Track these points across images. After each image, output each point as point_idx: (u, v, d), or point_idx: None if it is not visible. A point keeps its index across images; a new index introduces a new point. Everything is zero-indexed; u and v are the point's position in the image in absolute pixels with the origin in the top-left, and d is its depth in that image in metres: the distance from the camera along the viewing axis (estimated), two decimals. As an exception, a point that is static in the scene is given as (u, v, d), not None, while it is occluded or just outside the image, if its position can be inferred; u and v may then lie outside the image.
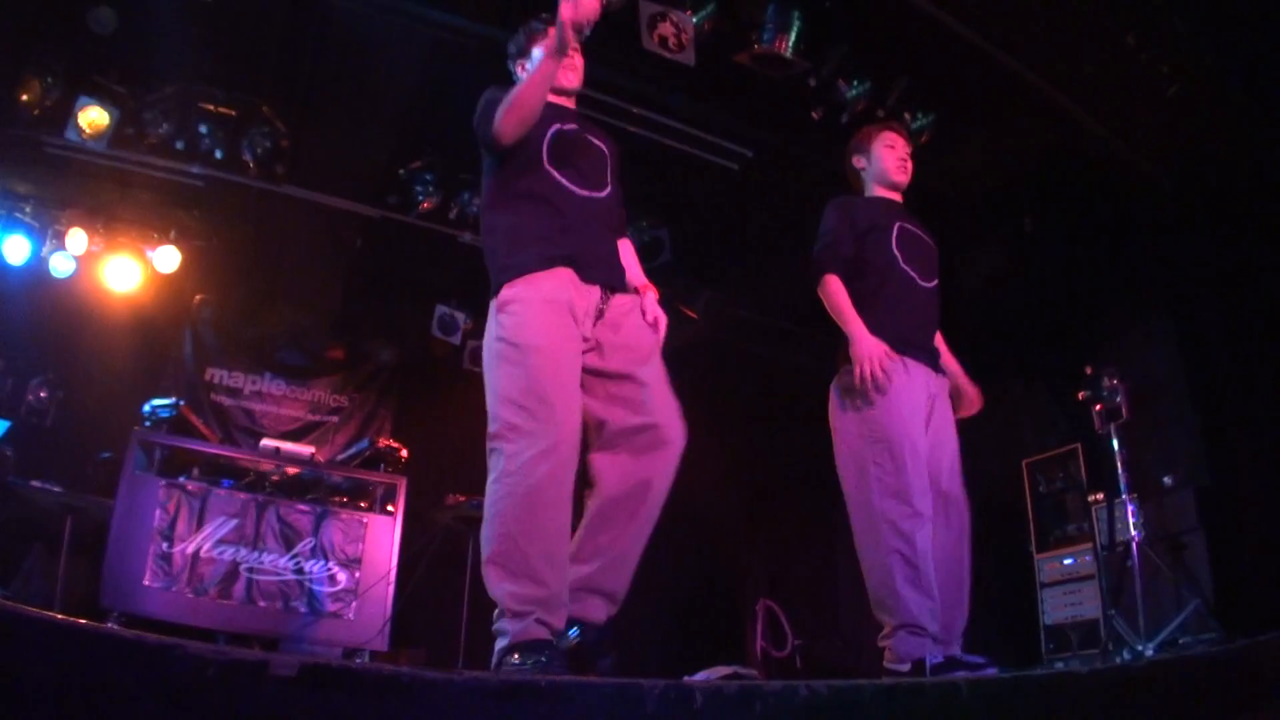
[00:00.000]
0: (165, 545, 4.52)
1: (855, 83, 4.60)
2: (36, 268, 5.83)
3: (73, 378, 5.88)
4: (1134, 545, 4.32)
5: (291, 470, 5.07)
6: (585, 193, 2.57)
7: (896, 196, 3.20)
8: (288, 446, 5.18)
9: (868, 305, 2.93)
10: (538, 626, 2.21)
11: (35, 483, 4.69)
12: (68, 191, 5.80)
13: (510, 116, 2.44)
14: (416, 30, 4.47)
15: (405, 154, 5.57)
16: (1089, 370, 4.76)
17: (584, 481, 2.47)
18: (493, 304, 2.49)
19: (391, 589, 4.89)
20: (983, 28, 4.23)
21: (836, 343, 2.97)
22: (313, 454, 5.27)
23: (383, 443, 5.53)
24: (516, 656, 2.17)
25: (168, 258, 6.09)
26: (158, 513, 4.56)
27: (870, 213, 3.10)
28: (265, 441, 5.27)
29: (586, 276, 2.48)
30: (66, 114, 4.89)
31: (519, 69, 2.77)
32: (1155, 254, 5.19)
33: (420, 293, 6.72)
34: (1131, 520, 4.39)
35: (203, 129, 5.21)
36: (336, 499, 5.17)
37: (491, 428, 2.39)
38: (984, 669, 2.63)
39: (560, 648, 2.24)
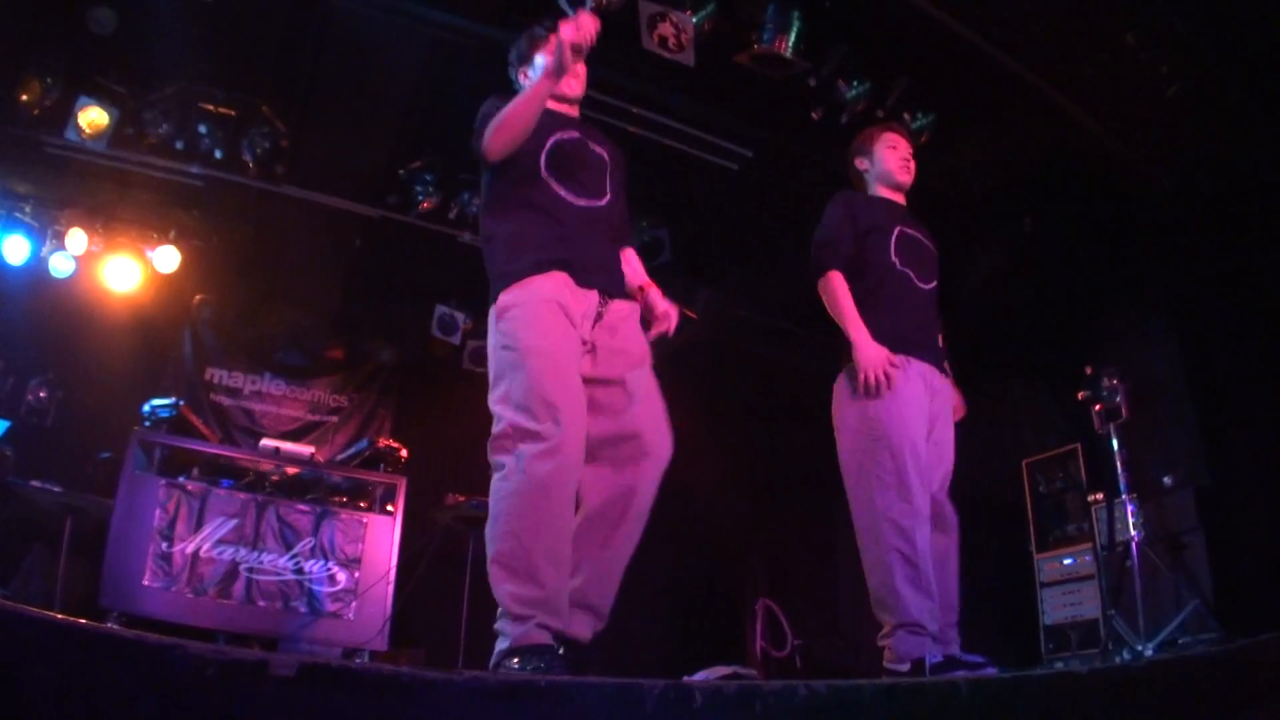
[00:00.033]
0: (165, 545, 4.52)
1: (855, 83, 4.60)
2: (36, 268, 5.83)
3: (73, 378, 5.88)
4: (1134, 545, 4.32)
5: (291, 470, 5.07)
6: (583, 202, 2.56)
7: (899, 197, 3.21)
8: (287, 446, 5.18)
9: (867, 306, 2.94)
10: (538, 631, 2.21)
11: (35, 483, 4.69)
12: (67, 191, 5.80)
13: (499, 136, 2.45)
14: (416, 30, 4.47)
15: (405, 154, 5.57)
16: (1089, 370, 4.77)
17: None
18: (492, 311, 2.50)
19: (391, 589, 4.89)
20: (983, 28, 4.23)
21: (838, 341, 2.97)
22: (312, 454, 5.27)
23: (382, 443, 5.53)
24: (516, 661, 2.17)
25: (167, 258, 6.09)
26: (157, 512, 4.56)
27: (872, 212, 3.10)
28: (265, 441, 5.27)
29: (583, 281, 2.47)
30: (66, 114, 4.88)
31: (521, 76, 2.76)
32: (1155, 254, 5.19)
33: (420, 293, 6.72)
34: (1131, 520, 4.39)
35: (202, 129, 5.21)
36: (336, 499, 5.17)
37: (495, 428, 2.39)
38: (983, 668, 2.63)
39: (560, 651, 2.24)
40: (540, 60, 2.66)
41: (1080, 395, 4.77)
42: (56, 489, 4.71)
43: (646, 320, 2.68)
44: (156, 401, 5.07)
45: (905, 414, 2.83)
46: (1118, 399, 4.62)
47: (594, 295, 2.49)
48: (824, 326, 3.05)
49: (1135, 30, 4.10)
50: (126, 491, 4.57)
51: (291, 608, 4.69)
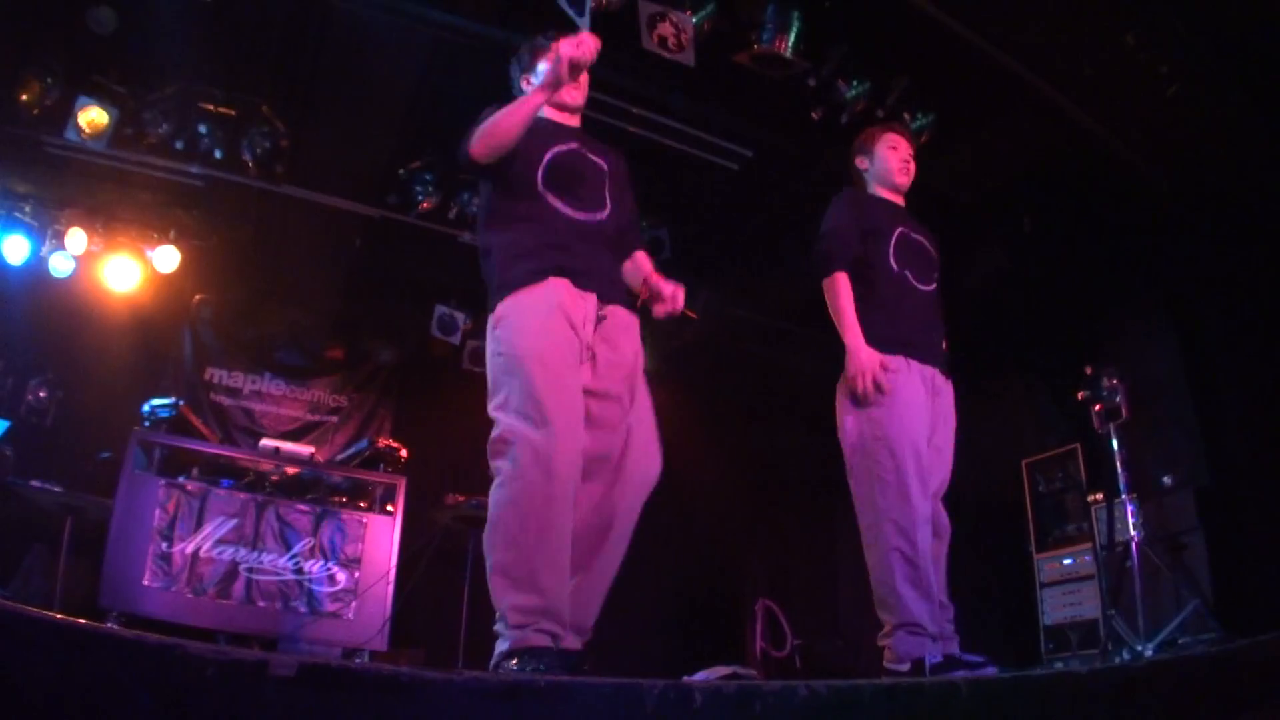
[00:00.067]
0: (165, 545, 4.52)
1: (855, 83, 4.60)
2: (36, 267, 5.82)
3: (72, 378, 5.87)
4: (1133, 545, 4.32)
5: (291, 470, 5.07)
6: (582, 216, 2.54)
7: (898, 198, 3.21)
8: (287, 446, 5.18)
9: (867, 308, 2.94)
10: (538, 635, 2.21)
11: (35, 483, 4.69)
12: (67, 191, 5.80)
13: (484, 142, 2.44)
14: (416, 30, 4.46)
15: (405, 154, 5.57)
16: (1088, 370, 4.76)
17: None
18: (490, 320, 2.49)
19: (391, 589, 4.89)
20: (983, 28, 4.23)
21: (838, 342, 2.97)
22: (312, 454, 5.27)
23: (382, 442, 5.54)
24: (515, 662, 2.18)
25: (167, 257, 6.09)
26: (157, 512, 4.57)
27: (874, 213, 3.10)
28: (265, 441, 5.27)
29: (581, 284, 2.46)
30: (66, 114, 4.88)
31: (524, 83, 2.75)
32: (1155, 254, 5.19)
33: (420, 293, 6.72)
34: (1131, 520, 4.39)
35: (202, 129, 5.20)
36: (336, 499, 5.17)
37: (493, 433, 2.38)
38: (983, 668, 2.64)
39: (560, 654, 2.24)
40: (543, 68, 2.65)
41: (1080, 395, 4.77)
42: (56, 489, 4.71)
43: (651, 305, 2.65)
44: (156, 401, 5.07)
45: (905, 415, 2.83)
46: (1117, 399, 4.62)
47: (592, 298, 2.48)
48: (824, 326, 3.05)
49: (1135, 30, 4.10)
50: (126, 491, 4.57)
51: (291, 608, 4.69)
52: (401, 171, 5.65)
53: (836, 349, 2.98)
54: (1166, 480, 4.83)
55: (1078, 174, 5.03)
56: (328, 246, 6.24)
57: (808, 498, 7.23)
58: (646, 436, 2.52)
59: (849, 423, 2.93)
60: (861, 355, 2.85)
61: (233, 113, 5.23)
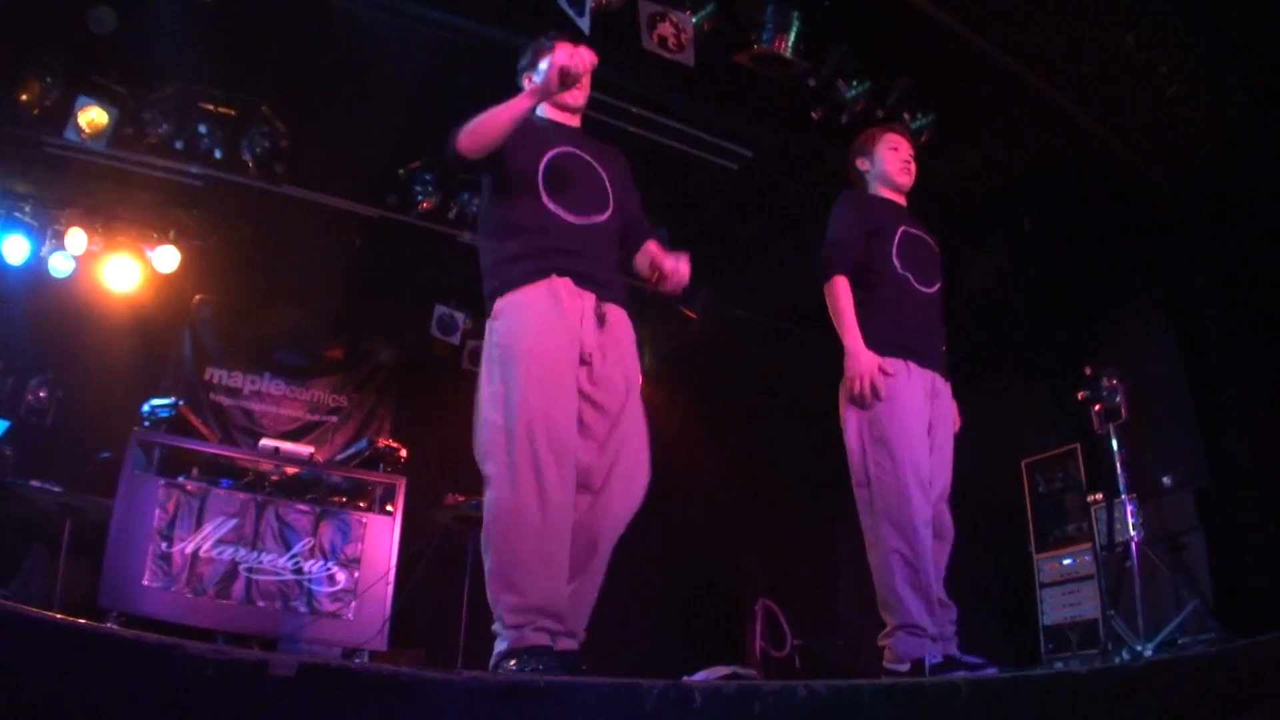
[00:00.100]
0: (164, 545, 4.52)
1: (855, 83, 4.60)
2: (36, 267, 5.82)
3: (72, 377, 5.87)
4: (1133, 545, 4.32)
5: (291, 470, 5.07)
6: (582, 220, 2.54)
7: (899, 198, 3.21)
8: (287, 446, 5.18)
9: (869, 310, 2.94)
10: (535, 634, 2.22)
11: (35, 482, 4.69)
12: (67, 191, 5.80)
13: (469, 138, 2.45)
14: (416, 30, 4.46)
15: (405, 154, 5.57)
16: (1088, 370, 4.76)
17: None
18: (488, 319, 2.50)
19: (390, 589, 4.89)
20: (982, 28, 4.23)
21: (839, 343, 2.97)
22: (312, 454, 5.27)
23: (382, 443, 5.53)
24: (514, 663, 2.18)
25: (167, 257, 6.09)
26: (157, 512, 4.57)
27: (877, 213, 3.10)
28: (264, 441, 5.27)
29: (581, 283, 2.47)
30: (66, 114, 4.88)
31: (526, 81, 2.75)
32: (1154, 254, 5.19)
33: (419, 293, 6.72)
34: (1131, 520, 4.39)
35: (202, 129, 5.20)
36: (336, 499, 5.17)
37: (484, 434, 2.37)
38: (983, 669, 2.64)
39: (559, 655, 2.24)
40: (544, 66, 2.65)
41: (1080, 395, 4.77)
42: (56, 489, 4.71)
43: (661, 286, 2.63)
44: (156, 401, 5.07)
45: (905, 417, 2.84)
46: (1117, 399, 4.62)
47: (591, 297, 2.48)
48: (823, 326, 3.05)
49: (1135, 30, 4.10)
50: (126, 491, 4.57)
51: (291, 608, 4.69)
52: (401, 171, 5.65)
53: (837, 349, 2.98)
54: (1166, 480, 4.83)
55: (1078, 174, 5.03)
56: (328, 246, 6.24)
57: (808, 498, 7.22)
58: (638, 451, 2.51)
59: (851, 426, 2.94)
60: (860, 358, 2.85)
61: (233, 113, 5.23)
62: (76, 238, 5.86)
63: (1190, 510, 4.64)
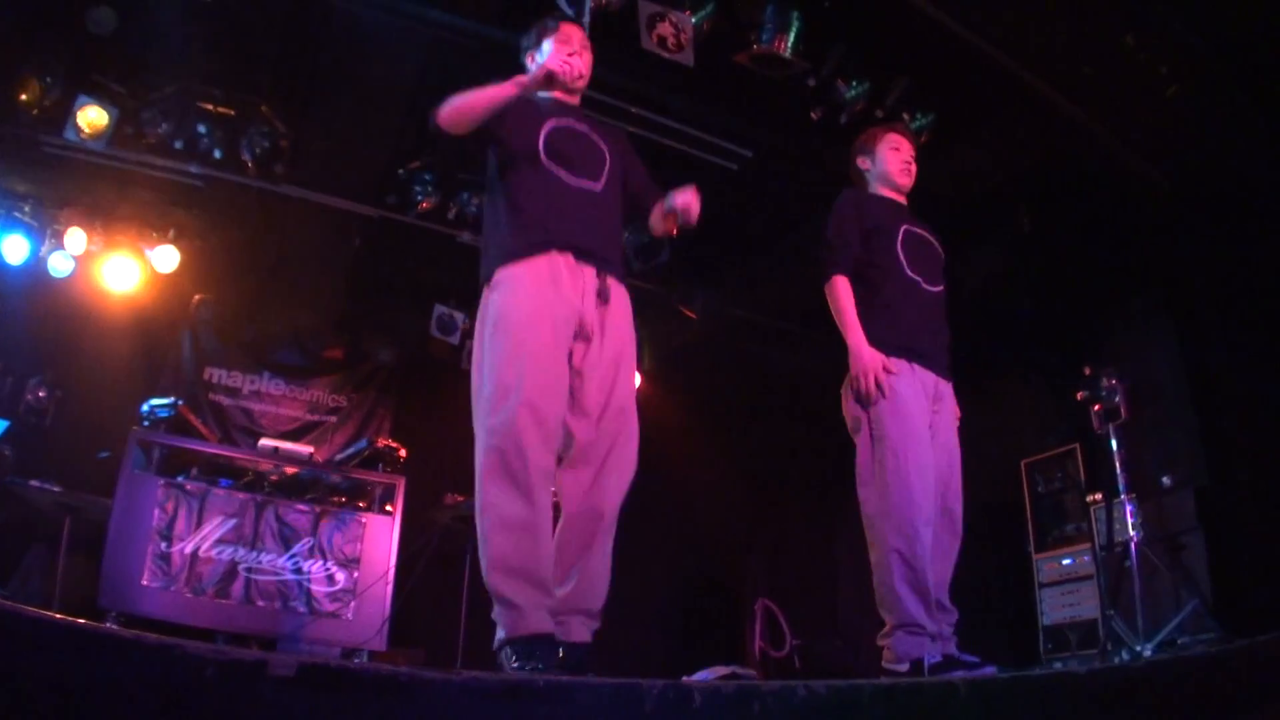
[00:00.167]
0: (164, 545, 4.52)
1: (854, 83, 4.59)
2: (35, 267, 5.82)
3: (71, 377, 5.87)
4: (1132, 545, 4.32)
5: (290, 470, 5.07)
6: (579, 183, 2.60)
7: (900, 199, 3.21)
8: (286, 446, 5.18)
9: (873, 310, 2.94)
10: (534, 615, 2.24)
11: (34, 482, 4.68)
12: (66, 191, 5.79)
13: (450, 113, 2.51)
14: (416, 30, 4.46)
15: (405, 154, 5.56)
16: (1088, 370, 4.76)
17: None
18: (485, 288, 2.55)
19: (390, 589, 4.89)
20: (982, 28, 4.23)
21: (841, 342, 2.97)
22: (311, 454, 5.27)
23: (381, 442, 5.53)
24: (514, 656, 2.21)
25: (166, 257, 6.08)
26: (156, 512, 4.57)
27: (877, 211, 3.10)
28: (264, 441, 5.27)
29: (581, 258, 2.53)
30: (65, 113, 4.88)
31: (529, 60, 2.82)
32: (1154, 254, 5.19)
33: (419, 293, 6.72)
34: (1130, 520, 4.38)
35: (202, 129, 5.20)
36: (335, 499, 5.17)
37: (475, 402, 2.43)
38: (981, 667, 2.64)
39: (557, 638, 2.28)
40: (548, 46, 2.75)
41: (1079, 395, 4.77)
42: (55, 489, 4.70)
43: (682, 221, 2.66)
44: (155, 401, 5.07)
45: (908, 417, 2.83)
46: (1116, 399, 4.62)
47: (590, 271, 2.53)
48: (823, 326, 3.05)
49: (1135, 31, 4.10)
50: (125, 491, 4.57)
51: (290, 608, 4.69)
52: (401, 171, 5.65)
53: (837, 349, 2.98)
54: (1165, 480, 4.83)
55: (1078, 174, 5.02)
56: (327, 246, 6.24)
57: (807, 498, 7.23)
58: (630, 422, 2.57)
59: (853, 423, 2.94)
60: (864, 355, 2.85)
61: (232, 112, 5.22)
62: (76, 237, 5.86)
63: (1190, 510, 4.64)
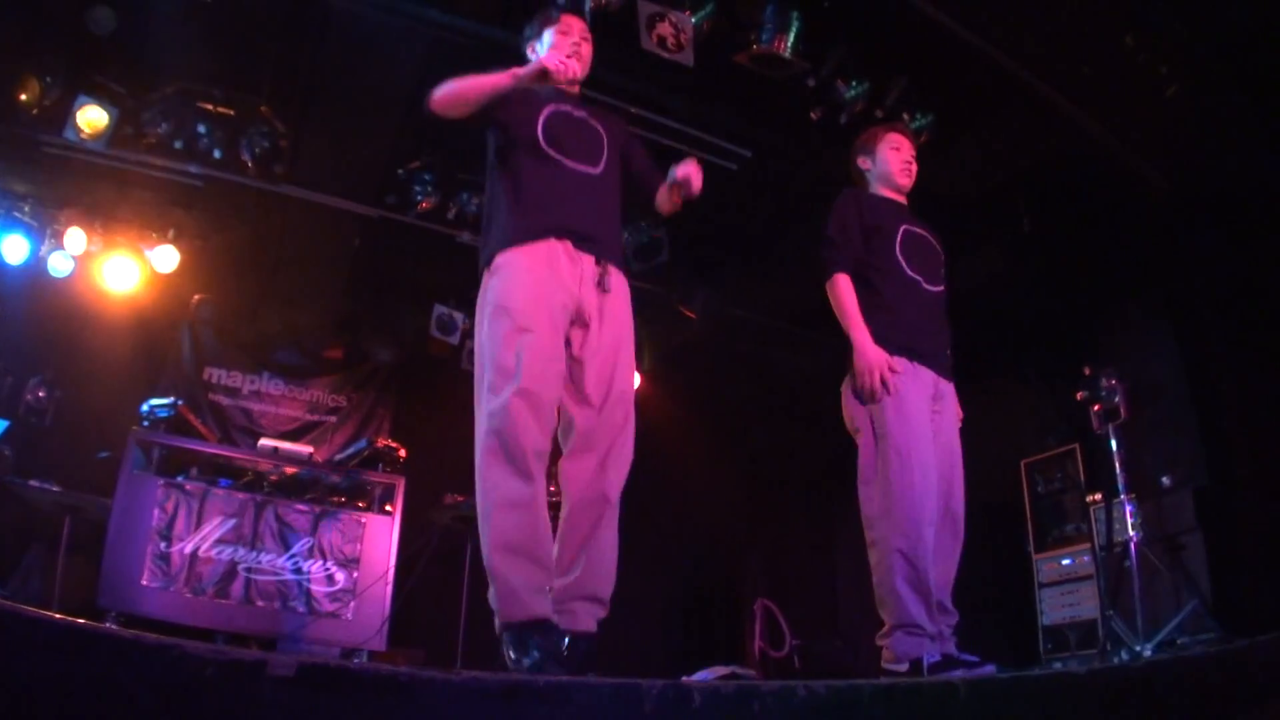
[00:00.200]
0: (163, 545, 4.52)
1: (854, 83, 4.60)
2: (35, 267, 5.82)
3: (71, 377, 5.87)
4: (1132, 545, 4.32)
5: (290, 470, 5.07)
6: (578, 167, 2.62)
7: (900, 199, 3.20)
8: (286, 446, 5.18)
9: (875, 310, 2.93)
10: (531, 598, 2.26)
11: (34, 482, 4.69)
12: (66, 191, 5.79)
13: (444, 98, 2.55)
14: (416, 30, 4.46)
15: (404, 154, 5.56)
16: (1087, 371, 4.77)
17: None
18: (485, 272, 2.57)
19: (389, 589, 4.89)
20: (982, 28, 4.23)
21: (842, 342, 2.97)
22: (311, 454, 5.27)
23: (381, 442, 5.53)
24: (511, 649, 2.23)
25: (166, 257, 6.08)
26: (156, 512, 4.56)
27: (878, 211, 3.10)
28: (263, 441, 5.27)
29: (580, 245, 2.54)
30: (65, 114, 4.88)
31: (530, 49, 2.85)
32: (1154, 254, 5.19)
33: (419, 293, 6.72)
34: (1130, 520, 4.39)
35: (201, 129, 5.20)
36: (335, 499, 5.17)
37: (477, 386, 2.46)
38: (980, 667, 2.63)
39: (556, 625, 2.30)
40: (548, 37, 2.78)
41: (1079, 395, 4.77)
42: (55, 489, 4.70)
43: (686, 192, 2.68)
44: (155, 401, 5.06)
45: (910, 415, 2.83)
46: (1116, 399, 4.62)
47: (589, 259, 2.55)
48: (823, 326, 3.04)
49: (1135, 31, 4.10)
50: (125, 491, 4.57)
51: (290, 607, 4.69)
52: (400, 171, 5.65)
53: (837, 348, 2.98)
54: (1165, 480, 4.83)
55: (1078, 174, 5.02)
56: (327, 246, 6.24)
57: (807, 498, 7.23)
58: (629, 406, 2.59)
59: (856, 424, 2.94)
60: (869, 352, 2.84)
61: (231, 113, 5.23)
62: (76, 237, 5.86)
63: (1189, 510, 4.64)
